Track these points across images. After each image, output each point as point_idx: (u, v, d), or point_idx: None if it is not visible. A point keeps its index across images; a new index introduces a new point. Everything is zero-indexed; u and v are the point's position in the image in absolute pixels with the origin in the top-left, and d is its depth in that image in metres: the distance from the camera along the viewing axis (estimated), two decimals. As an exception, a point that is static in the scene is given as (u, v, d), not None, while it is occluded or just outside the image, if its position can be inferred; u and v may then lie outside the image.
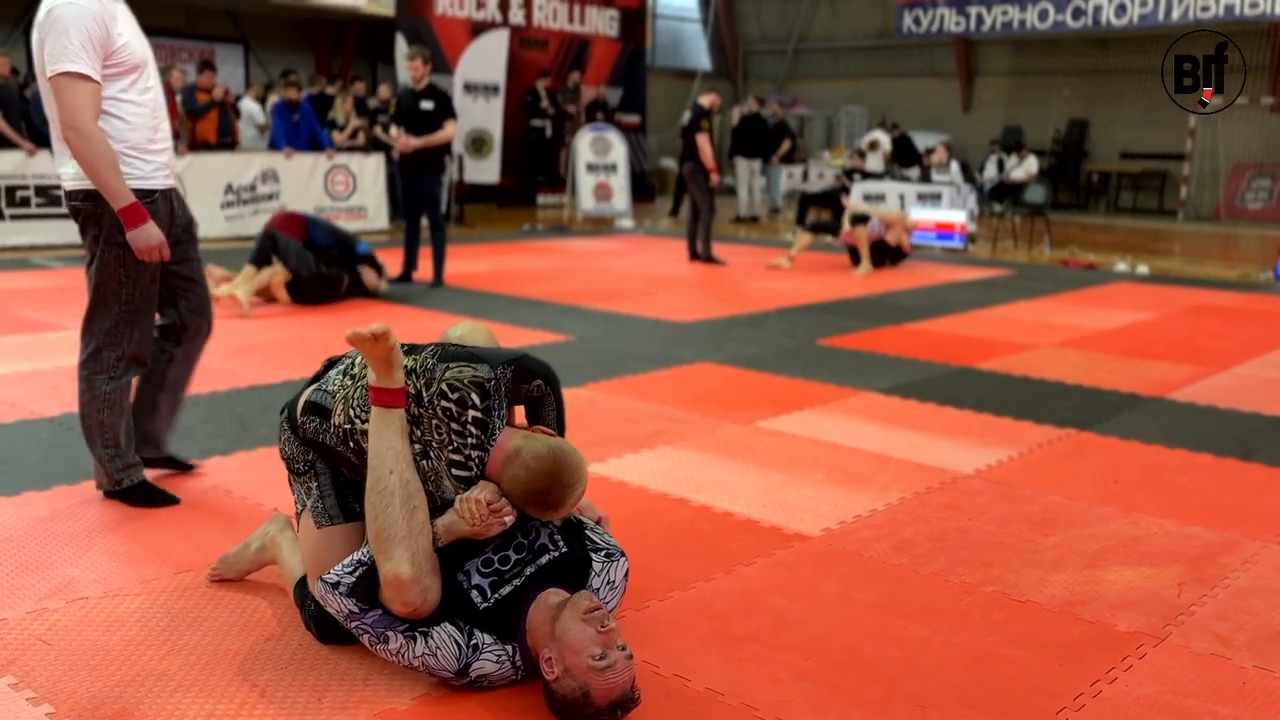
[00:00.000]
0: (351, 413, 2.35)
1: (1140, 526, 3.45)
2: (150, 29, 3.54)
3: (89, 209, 3.22)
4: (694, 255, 10.31)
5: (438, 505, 2.30)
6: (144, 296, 3.32)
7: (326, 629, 2.49)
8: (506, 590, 2.28)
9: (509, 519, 2.26)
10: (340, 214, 11.69)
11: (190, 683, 2.33)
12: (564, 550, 2.38)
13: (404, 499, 2.21)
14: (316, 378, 2.54)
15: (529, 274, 9.07)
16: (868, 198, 12.59)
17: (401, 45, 14.16)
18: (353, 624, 2.26)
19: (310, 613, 2.51)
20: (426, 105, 8.03)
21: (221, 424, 4.30)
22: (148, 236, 3.18)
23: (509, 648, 2.24)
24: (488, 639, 2.23)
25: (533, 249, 11.07)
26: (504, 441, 2.31)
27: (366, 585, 2.23)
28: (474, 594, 2.26)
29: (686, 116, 10.30)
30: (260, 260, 7.04)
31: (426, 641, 2.21)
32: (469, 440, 2.29)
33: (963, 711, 2.30)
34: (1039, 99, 18.90)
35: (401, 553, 2.17)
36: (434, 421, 2.31)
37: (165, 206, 3.33)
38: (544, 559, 2.34)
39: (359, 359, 2.46)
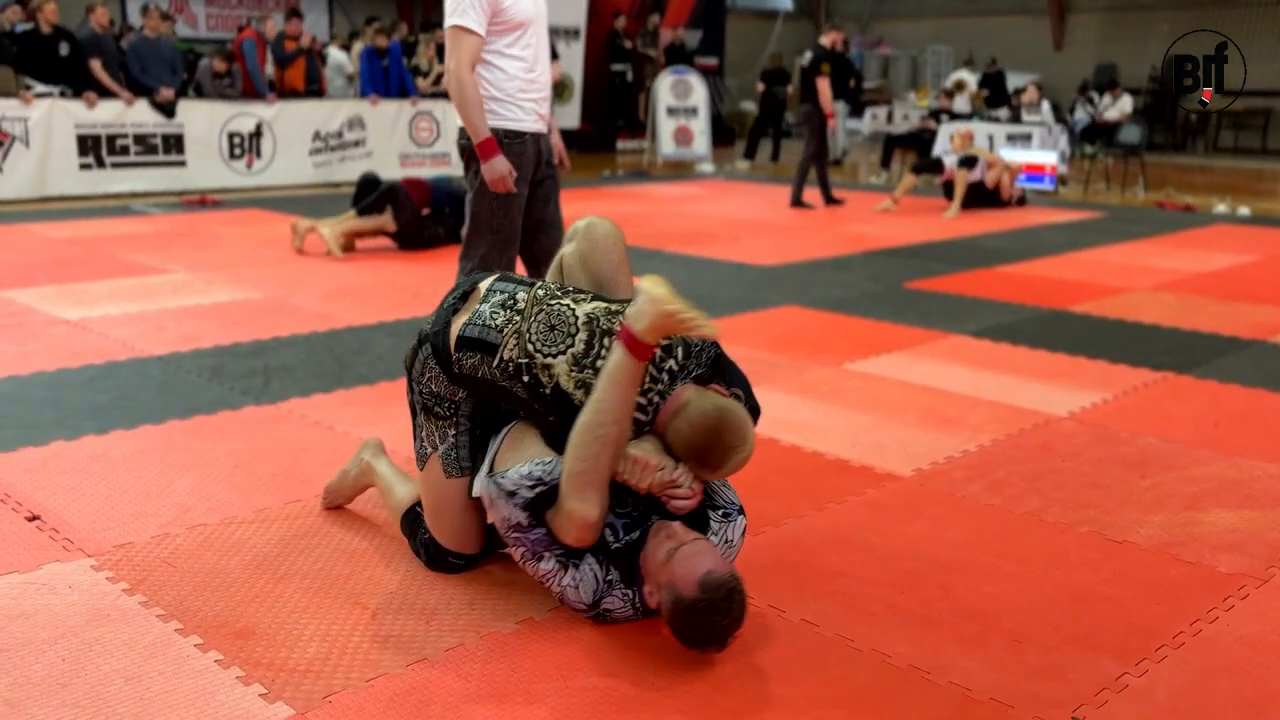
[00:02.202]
0: (531, 346, 2.34)
1: (1242, 470, 3.38)
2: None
3: (469, 146, 3.67)
4: (797, 201, 10.26)
5: None
6: (512, 227, 3.74)
7: (436, 557, 2.58)
8: (635, 534, 2.32)
9: (680, 492, 2.28)
10: (424, 160, 11.82)
11: (305, 605, 2.44)
12: None
13: (615, 450, 2.22)
14: (454, 309, 2.47)
15: (611, 219, 9.07)
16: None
17: (482, -10, 14.14)
18: (514, 534, 2.29)
19: (422, 540, 2.60)
20: None
21: (321, 364, 4.43)
22: (495, 169, 3.61)
23: (631, 591, 2.30)
24: (617, 576, 2.29)
25: (614, 194, 11.08)
26: (679, 393, 2.33)
27: (541, 504, 2.25)
28: (607, 532, 2.30)
29: (807, 57, 10.13)
30: (370, 209, 7.11)
31: (574, 572, 2.26)
32: (658, 386, 2.32)
33: (1060, 647, 2.31)
34: (1136, 35, 18.21)
35: (595, 498, 2.19)
36: None
37: (532, 148, 3.74)
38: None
39: (525, 293, 2.44)
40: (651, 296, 2.22)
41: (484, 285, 2.51)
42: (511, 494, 2.26)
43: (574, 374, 2.31)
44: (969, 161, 9.80)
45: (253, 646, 2.25)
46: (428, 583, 2.55)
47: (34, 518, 2.87)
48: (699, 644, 2.20)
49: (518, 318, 2.39)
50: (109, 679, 2.12)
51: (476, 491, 2.48)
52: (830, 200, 10.22)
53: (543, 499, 2.25)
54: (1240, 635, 2.38)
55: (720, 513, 2.42)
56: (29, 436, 3.48)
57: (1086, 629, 2.39)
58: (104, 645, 2.24)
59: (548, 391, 2.33)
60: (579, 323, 2.36)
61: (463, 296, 2.50)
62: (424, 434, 2.53)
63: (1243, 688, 2.17)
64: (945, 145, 11.98)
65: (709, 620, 2.13)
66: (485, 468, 2.47)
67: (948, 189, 10.17)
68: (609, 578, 2.29)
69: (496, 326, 2.39)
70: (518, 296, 2.45)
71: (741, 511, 2.46)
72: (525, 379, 2.35)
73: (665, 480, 2.27)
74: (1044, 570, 2.68)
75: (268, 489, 3.10)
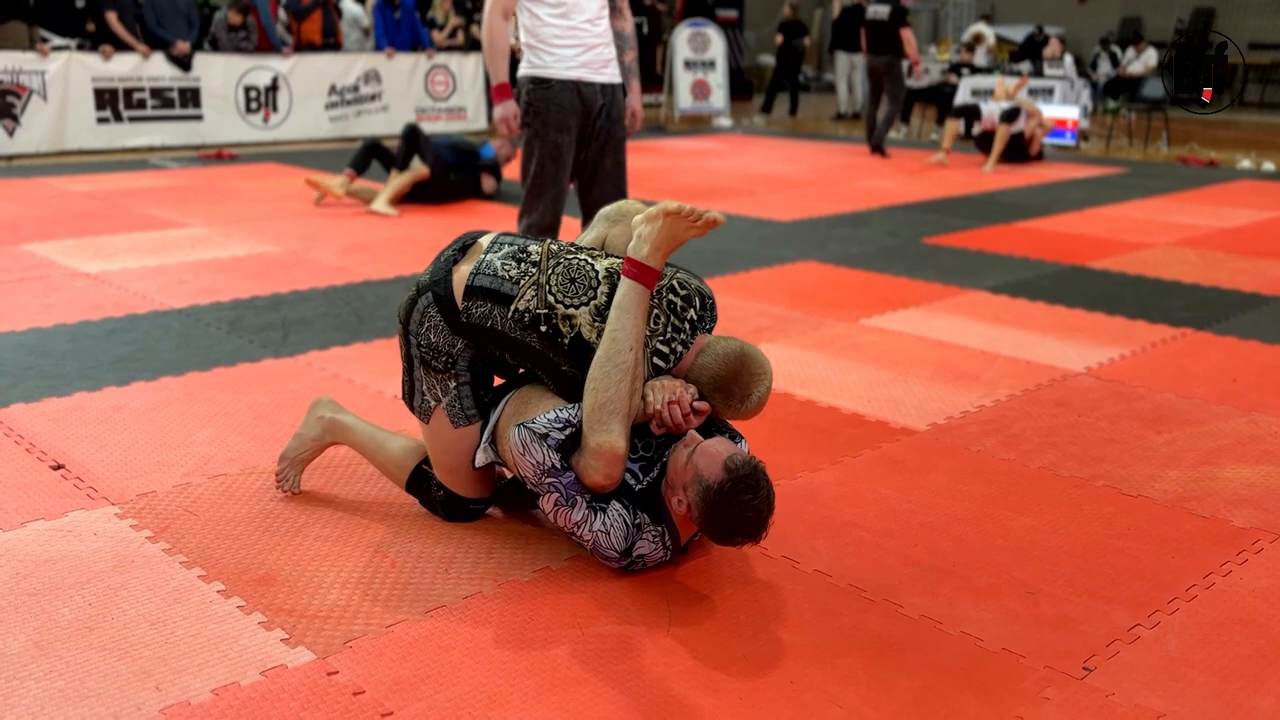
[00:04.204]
0: (552, 298, 2.37)
1: (1260, 425, 3.38)
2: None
3: (522, 97, 3.87)
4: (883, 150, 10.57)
5: None
6: (547, 174, 3.85)
7: (456, 509, 2.61)
8: (655, 473, 2.34)
9: (695, 418, 2.33)
10: (440, 114, 11.78)
11: (325, 553, 2.48)
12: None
13: (632, 378, 2.26)
14: (454, 260, 2.49)
15: (628, 174, 9.04)
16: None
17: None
18: (547, 480, 2.28)
19: (437, 497, 2.62)
20: None
21: (339, 317, 4.45)
22: (499, 110, 3.82)
23: (659, 528, 2.31)
24: (646, 518, 2.31)
25: (630, 148, 10.97)
26: (700, 340, 2.42)
27: (570, 447, 2.28)
28: (628, 477, 2.32)
29: (884, 10, 10.18)
30: (403, 163, 7.09)
31: (604, 517, 2.27)
32: (680, 335, 2.39)
33: (1072, 598, 2.33)
34: (1162, -13, 17.89)
35: (619, 427, 2.22)
36: (655, 311, 2.38)
37: (567, 96, 3.80)
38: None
39: (541, 247, 2.46)
40: (648, 215, 2.30)
41: (486, 240, 2.55)
42: (544, 437, 2.27)
43: (596, 324, 2.36)
44: (1012, 114, 9.64)
45: (274, 593, 2.29)
46: (445, 532, 2.59)
47: (58, 466, 2.91)
48: (734, 534, 2.22)
49: (534, 269, 2.42)
50: (134, 623, 2.16)
51: (481, 463, 2.50)
52: (879, 150, 10.45)
53: (572, 440, 2.28)
54: (1253, 588, 2.39)
55: (728, 435, 2.47)
56: (52, 388, 3.52)
57: (1099, 581, 2.40)
58: (129, 590, 2.28)
59: (566, 342, 2.36)
60: (600, 276, 2.41)
61: (462, 249, 2.52)
62: (424, 387, 2.52)
63: (1254, 639, 2.19)
64: (968, 99, 11.85)
65: (740, 501, 2.16)
66: (487, 436, 2.48)
67: (982, 141, 10.05)
68: (637, 521, 2.30)
69: (511, 278, 2.41)
70: (529, 250, 2.47)
71: (743, 438, 2.52)
72: (543, 329, 2.37)
73: (679, 392, 2.32)
74: (1057, 524, 2.69)
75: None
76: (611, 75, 3.92)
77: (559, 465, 2.27)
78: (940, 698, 1.98)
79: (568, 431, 2.28)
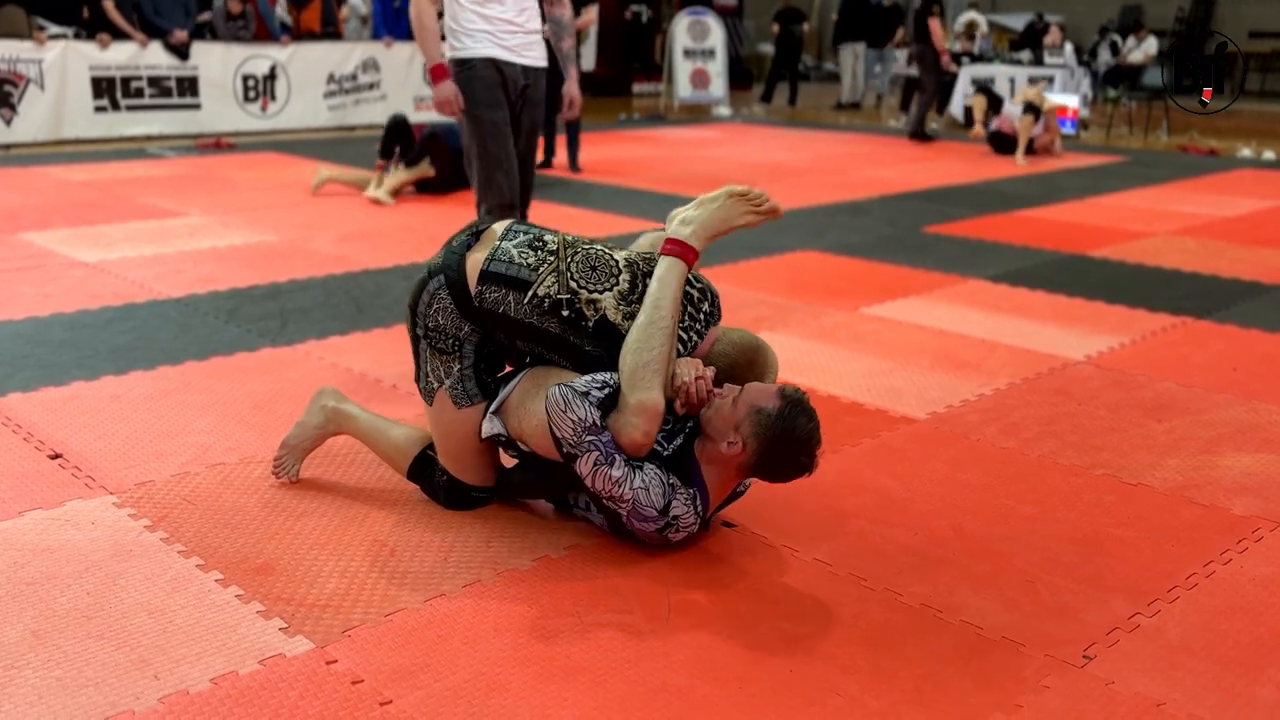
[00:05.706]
0: (574, 284, 2.42)
1: (1260, 414, 3.37)
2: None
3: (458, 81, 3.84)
4: (927, 136, 10.85)
5: None
6: (492, 153, 3.81)
7: (457, 496, 2.60)
8: (679, 440, 2.39)
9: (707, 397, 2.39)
10: (439, 103, 11.73)
11: (324, 541, 2.47)
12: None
13: (671, 343, 2.33)
14: (467, 245, 2.51)
15: (626, 163, 9.03)
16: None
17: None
18: (588, 437, 2.27)
19: (440, 483, 2.62)
20: None
21: (338, 306, 4.44)
22: (438, 92, 3.79)
23: (691, 491, 2.34)
24: (678, 481, 2.33)
25: (629, 138, 10.99)
26: (713, 331, 2.53)
27: (608, 406, 2.31)
28: (655, 444, 2.35)
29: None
30: (414, 159, 7.07)
31: (642, 475, 2.29)
32: (696, 326, 2.48)
33: (1071, 586, 2.32)
34: (1163, -25, 17.84)
35: (659, 383, 2.29)
36: None
37: (488, 72, 3.79)
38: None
39: (557, 236, 2.52)
40: (704, 198, 2.43)
41: (500, 227, 2.57)
42: (585, 394, 2.29)
43: (621, 308, 2.42)
44: (1033, 109, 9.59)
45: (272, 582, 2.28)
46: (444, 521, 2.58)
47: (56, 456, 2.90)
48: (791, 461, 2.31)
49: (552, 258, 2.47)
50: (132, 612, 2.16)
51: (488, 433, 2.50)
52: (923, 136, 10.69)
53: (610, 400, 2.31)
54: (1253, 576, 2.39)
55: None
56: (49, 377, 3.51)
57: (1099, 570, 2.40)
58: (127, 579, 2.28)
59: (591, 325, 2.41)
60: (620, 265, 2.49)
61: (475, 235, 2.55)
62: (429, 368, 2.54)
63: (1254, 627, 2.19)
64: (968, 89, 11.83)
65: (799, 424, 2.27)
66: (495, 406, 2.50)
67: (995, 139, 9.95)
68: (671, 481, 2.32)
69: (529, 265, 2.45)
70: (545, 239, 2.52)
71: None
72: (565, 313, 2.42)
73: (703, 369, 2.40)
74: (1057, 512, 2.69)
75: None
76: (535, 59, 3.90)
77: (599, 423, 2.28)
78: (940, 687, 1.97)
79: (606, 391, 2.31)
